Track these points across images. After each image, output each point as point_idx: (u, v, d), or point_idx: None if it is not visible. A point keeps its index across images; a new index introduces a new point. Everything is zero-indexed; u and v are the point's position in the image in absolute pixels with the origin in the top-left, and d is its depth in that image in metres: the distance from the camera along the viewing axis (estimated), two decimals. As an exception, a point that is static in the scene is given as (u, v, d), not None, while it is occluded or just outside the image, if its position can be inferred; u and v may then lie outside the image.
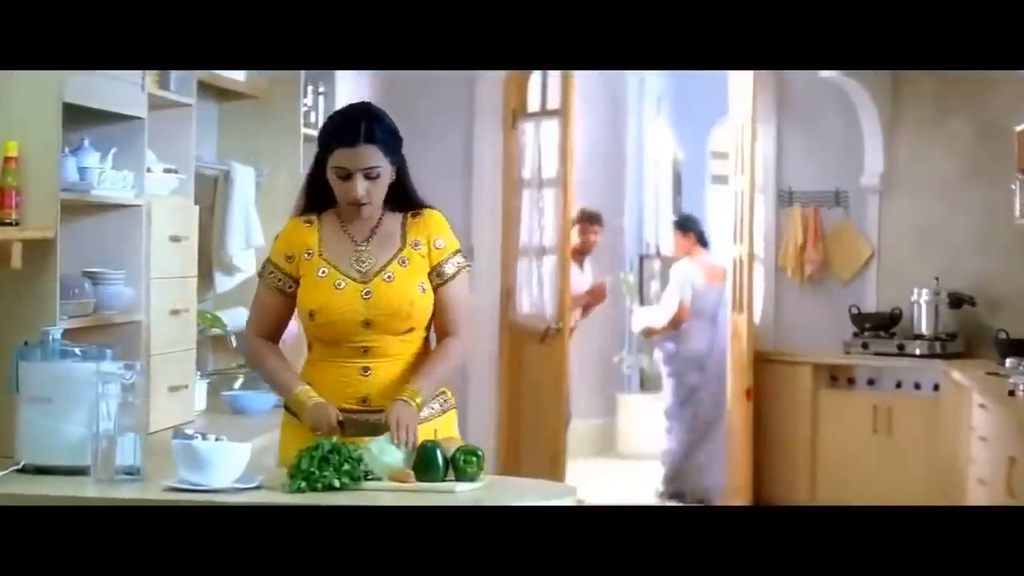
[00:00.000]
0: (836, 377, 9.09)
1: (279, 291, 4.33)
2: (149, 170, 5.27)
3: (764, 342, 9.32)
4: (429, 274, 4.29)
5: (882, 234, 9.20)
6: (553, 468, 8.45)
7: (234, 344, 6.04)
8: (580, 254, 9.45)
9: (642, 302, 12.75)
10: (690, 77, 13.91)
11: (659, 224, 14.35)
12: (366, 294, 4.21)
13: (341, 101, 7.30)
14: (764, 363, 9.23)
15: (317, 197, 4.31)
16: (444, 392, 4.39)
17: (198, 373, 5.76)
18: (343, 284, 4.21)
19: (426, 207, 4.35)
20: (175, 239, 5.42)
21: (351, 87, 7.68)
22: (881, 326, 9.00)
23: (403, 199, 4.32)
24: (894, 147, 9.14)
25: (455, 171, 9.01)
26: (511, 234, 9.13)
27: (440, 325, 4.33)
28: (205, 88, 6.10)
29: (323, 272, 4.24)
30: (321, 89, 7.15)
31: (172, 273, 5.44)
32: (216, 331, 6.16)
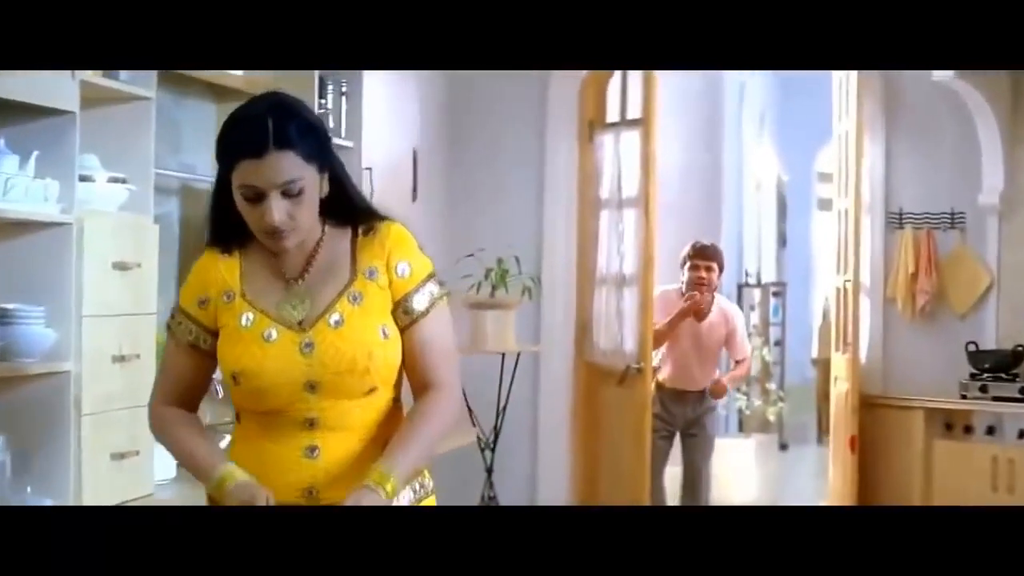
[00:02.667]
0: (951, 425, 8.28)
1: (191, 347, 3.28)
2: (88, 178, 4.24)
3: (870, 384, 8.59)
4: (394, 311, 3.23)
5: (1003, 260, 8.41)
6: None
7: (220, 395, 5.09)
8: (698, 310, 7.95)
9: None
10: (796, 90, 13.92)
11: (762, 251, 14.24)
12: (306, 347, 3.16)
13: (371, 104, 6.41)
14: (870, 408, 8.48)
15: (228, 225, 3.22)
16: (420, 474, 3.32)
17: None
18: (275, 335, 3.17)
19: (382, 220, 3.28)
20: (122, 266, 4.42)
21: (389, 86, 6.69)
22: (1003, 366, 8.21)
23: (347, 212, 3.26)
24: (1016, 161, 8.35)
25: (524, 190, 8.36)
26: (587, 261, 8.35)
27: (416, 377, 3.26)
28: (199, 85, 5.14)
29: (248, 320, 3.19)
30: (344, 88, 6.21)
31: (117, 309, 4.44)
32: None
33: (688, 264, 7.92)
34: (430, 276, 3.28)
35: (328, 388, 3.16)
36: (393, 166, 6.80)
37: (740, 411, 12.11)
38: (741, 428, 12.36)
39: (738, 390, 11.73)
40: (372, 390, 3.20)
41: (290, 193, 3.08)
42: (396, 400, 3.29)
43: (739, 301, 12.78)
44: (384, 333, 3.19)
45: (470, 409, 7.16)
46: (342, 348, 3.15)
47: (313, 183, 3.13)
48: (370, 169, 6.32)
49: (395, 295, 3.22)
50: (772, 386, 12.45)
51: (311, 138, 3.13)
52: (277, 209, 3.08)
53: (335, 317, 3.18)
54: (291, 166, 3.07)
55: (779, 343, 14.09)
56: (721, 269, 8.04)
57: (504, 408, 7.71)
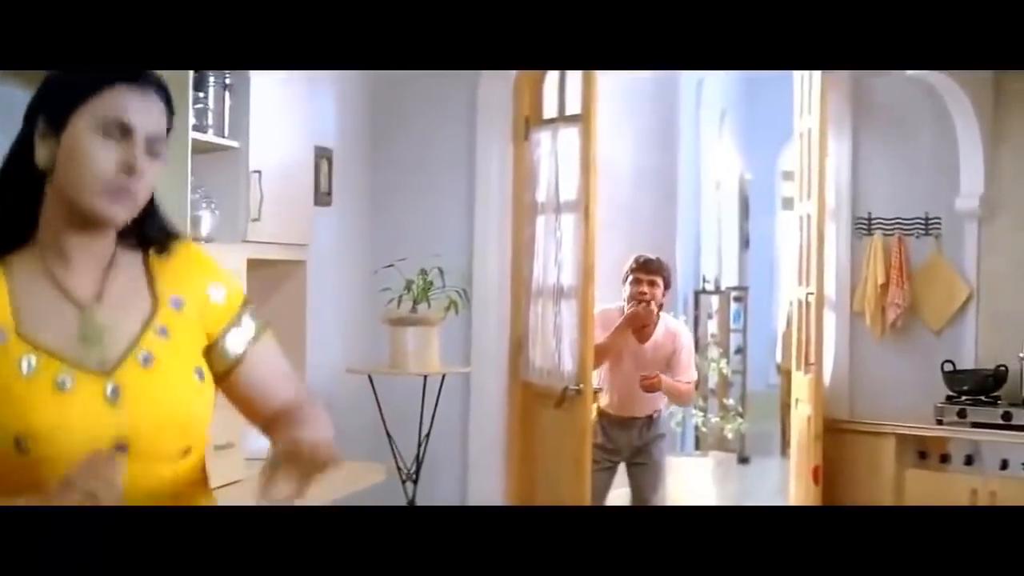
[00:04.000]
0: (926, 453, 7.76)
1: None
2: None
3: (836, 408, 8.11)
4: (208, 350, 2.61)
5: (982, 270, 7.96)
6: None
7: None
8: (641, 324, 7.52)
9: (697, 346, 11.52)
10: (759, 86, 14.15)
11: (722, 254, 14.10)
12: (112, 393, 2.42)
13: (262, 101, 5.72)
14: (836, 434, 7.95)
15: (6, 218, 2.50)
16: None
17: None
18: (70, 382, 2.39)
19: (177, 238, 2.64)
20: None
21: (287, 81, 5.96)
22: (983, 388, 7.75)
23: (143, 225, 2.59)
24: (998, 161, 7.88)
25: (452, 193, 7.82)
26: (522, 271, 7.76)
27: (261, 415, 2.68)
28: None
29: (30, 365, 2.39)
30: (228, 81, 5.43)
31: None
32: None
33: (630, 278, 7.52)
34: (245, 305, 2.70)
35: (141, 449, 2.45)
36: (294, 168, 6.17)
37: (697, 428, 11.68)
38: (698, 446, 11.93)
39: (695, 406, 11.33)
40: (187, 451, 2.55)
41: (154, 152, 2.48)
42: (203, 468, 2.65)
43: (696, 308, 12.51)
44: (200, 375, 2.57)
45: (389, 436, 6.91)
46: (157, 393, 2.49)
47: (158, 168, 2.52)
48: (259, 173, 5.61)
49: (209, 329, 2.62)
50: (730, 401, 12.02)
51: (170, 122, 2.56)
52: (141, 156, 2.45)
53: (143, 354, 2.49)
54: (164, 121, 2.52)
55: (740, 351, 13.78)
56: (667, 285, 7.60)
57: (428, 435, 7.13)
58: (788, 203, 12.45)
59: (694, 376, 7.73)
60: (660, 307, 7.55)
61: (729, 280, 14.53)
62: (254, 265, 5.58)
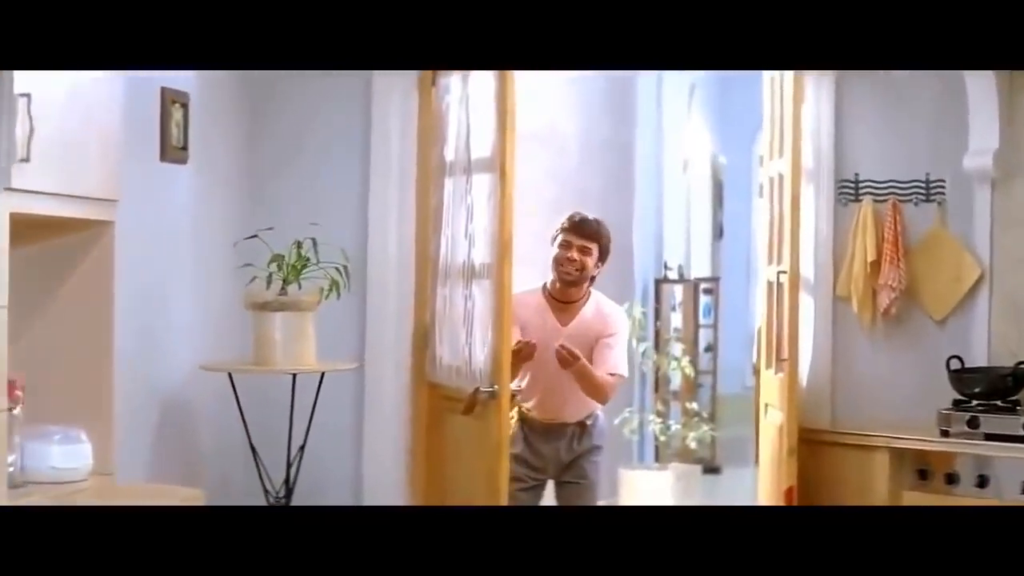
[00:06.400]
0: (927, 472, 7.13)
1: None
2: None
3: (814, 415, 7.48)
4: None
5: (996, 246, 7.38)
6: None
7: None
8: (564, 292, 6.85)
9: (658, 340, 11.67)
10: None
11: (691, 241, 13.95)
12: None
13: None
14: (814, 448, 7.34)
15: None
16: None
17: None
18: None
19: None
20: None
21: None
22: (999, 391, 7.13)
23: None
24: (1016, 113, 7.31)
25: (343, 149, 7.24)
26: (427, 246, 7.17)
27: None
28: None
29: None
30: None
31: None
32: None
33: (559, 239, 6.79)
34: None
35: None
36: (105, 103, 5.39)
37: (656, 436, 11.24)
38: (658, 457, 11.54)
39: (656, 412, 11.09)
40: None
41: None
42: None
43: (657, 299, 12.08)
44: None
45: (254, 451, 6.38)
46: None
47: None
48: (27, 97, 4.66)
49: None
50: (694, 405, 11.66)
51: None
52: None
53: None
54: None
55: (711, 349, 13.49)
56: (603, 256, 6.84)
57: (303, 448, 6.50)
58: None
59: (622, 371, 6.97)
60: (591, 280, 6.86)
61: (700, 271, 14.41)
62: (25, 224, 4.82)
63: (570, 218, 6.86)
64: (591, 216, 6.94)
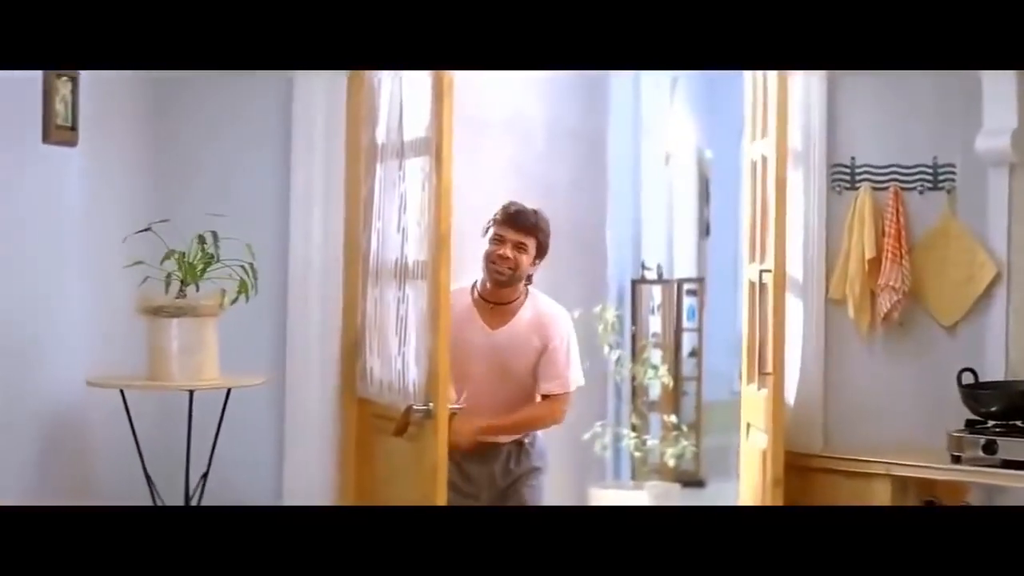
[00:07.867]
0: (936, 503, 6.74)
1: None
2: None
3: (804, 437, 6.90)
4: None
5: (1015, 240, 6.80)
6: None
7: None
8: (495, 292, 6.35)
9: (635, 347, 11.11)
10: None
11: (673, 240, 13.70)
12: None
13: None
14: (804, 476, 6.83)
15: None
16: None
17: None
18: None
19: None
20: None
21: None
22: (1016, 409, 6.60)
23: None
24: None
25: (260, 131, 6.63)
26: (357, 239, 6.57)
27: None
28: None
29: None
30: None
31: None
32: None
33: (491, 232, 6.30)
34: None
35: None
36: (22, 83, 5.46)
37: (630, 451, 10.77)
38: (634, 475, 11.08)
39: (631, 426, 10.57)
40: None
41: None
42: None
43: (633, 301, 11.68)
44: None
45: (149, 479, 5.77)
46: None
47: None
48: None
49: None
50: (673, 419, 11.11)
51: None
52: None
53: None
54: None
55: (695, 354, 13.15)
56: (540, 253, 6.35)
57: (205, 476, 5.89)
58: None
59: (569, 385, 6.43)
60: (527, 280, 6.38)
61: (684, 271, 14.17)
62: None
63: (504, 208, 6.35)
64: (529, 207, 6.45)
